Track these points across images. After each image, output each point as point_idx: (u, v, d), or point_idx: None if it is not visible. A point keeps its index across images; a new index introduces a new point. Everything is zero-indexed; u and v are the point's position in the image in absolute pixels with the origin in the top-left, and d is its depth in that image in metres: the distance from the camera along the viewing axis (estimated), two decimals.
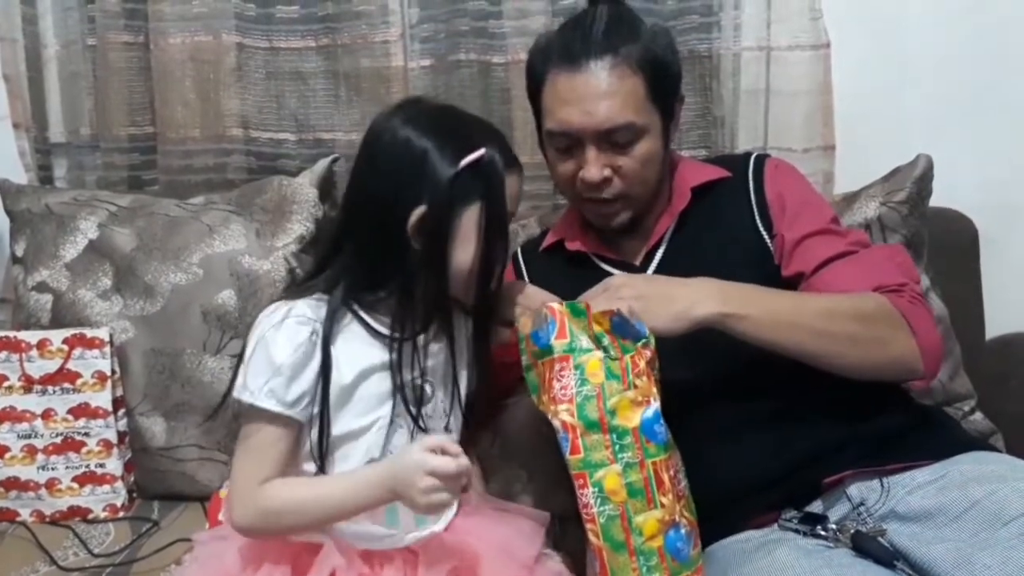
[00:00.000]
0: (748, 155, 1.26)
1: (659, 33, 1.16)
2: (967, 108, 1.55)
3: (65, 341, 1.39)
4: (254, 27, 1.60)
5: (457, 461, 0.88)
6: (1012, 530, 0.92)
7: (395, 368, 0.97)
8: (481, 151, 0.94)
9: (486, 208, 0.95)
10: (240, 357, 0.96)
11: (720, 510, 1.02)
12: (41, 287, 1.47)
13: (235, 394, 0.95)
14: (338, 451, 0.97)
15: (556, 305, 0.95)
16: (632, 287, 1.00)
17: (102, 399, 1.39)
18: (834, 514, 1.04)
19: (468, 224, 0.95)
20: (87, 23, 1.64)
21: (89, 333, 1.39)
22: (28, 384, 1.39)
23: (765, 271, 1.14)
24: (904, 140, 1.46)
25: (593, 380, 0.92)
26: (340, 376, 0.95)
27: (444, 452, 0.88)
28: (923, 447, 1.06)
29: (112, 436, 1.40)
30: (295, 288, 1.04)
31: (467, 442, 1.01)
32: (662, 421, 0.93)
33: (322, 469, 0.96)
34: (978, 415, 1.39)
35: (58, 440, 1.39)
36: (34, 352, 1.39)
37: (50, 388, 1.39)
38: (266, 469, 0.93)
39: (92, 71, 1.65)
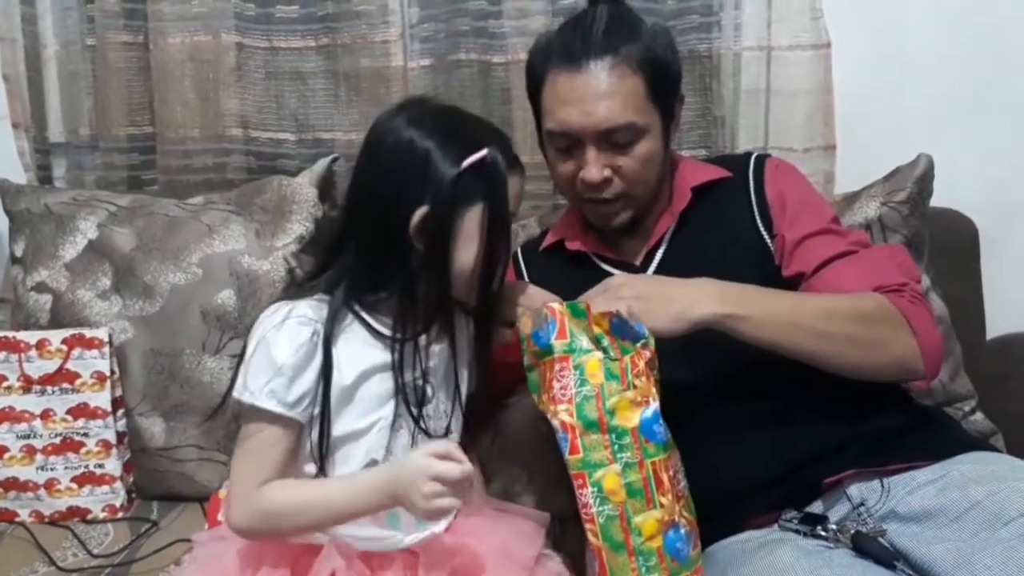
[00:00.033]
0: (748, 155, 1.26)
1: (659, 33, 1.16)
2: (968, 108, 1.55)
3: (64, 341, 1.39)
4: (254, 27, 1.60)
5: (462, 467, 0.87)
6: (1012, 530, 0.91)
7: (397, 369, 0.97)
8: (484, 152, 0.94)
9: (488, 209, 0.95)
10: (240, 357, 0.96)
11: (720, 510, 1.02)
12: (40, 287, 1.47)
13: (235, 394, 0.94)
14: (338, 452, 0.97)
15: (556, 305, 0.95)
16: (632, 287, 1.00)
17: (101, 399, 1.39)
18: (834, 514, 1.04)
19: (470, 225, 0.95)
20: (86, 23, 1.63)
21: (88, 333, 1.39)
22: (27, 384, 1.39)
23: (765, 271, 1.13)
24: (905, 140, 1.46)
25: (592, 380, 0.92)
26: (341, 377, 0.95)
27: (449, 458, 0.88)
28: (923, 447, 1.06)
29: (111, 436, 1.39)
30: (296, 288, 1.04)
31: (467, 443, 1.01)
32: (661, 421, 0.93)
33: (322, 470, 0.96)
34: (978, 415, 1.39)
35: (57, 440, 1.39)
36: (33, 352, 1.39)
37: (49, 388, 1.39)
38: (266, 470, 0.93)
39: (91, 71, 1.65)
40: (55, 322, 1.45)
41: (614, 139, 1.11)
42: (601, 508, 0.90)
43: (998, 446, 1.34)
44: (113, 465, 1.40)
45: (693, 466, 0.98)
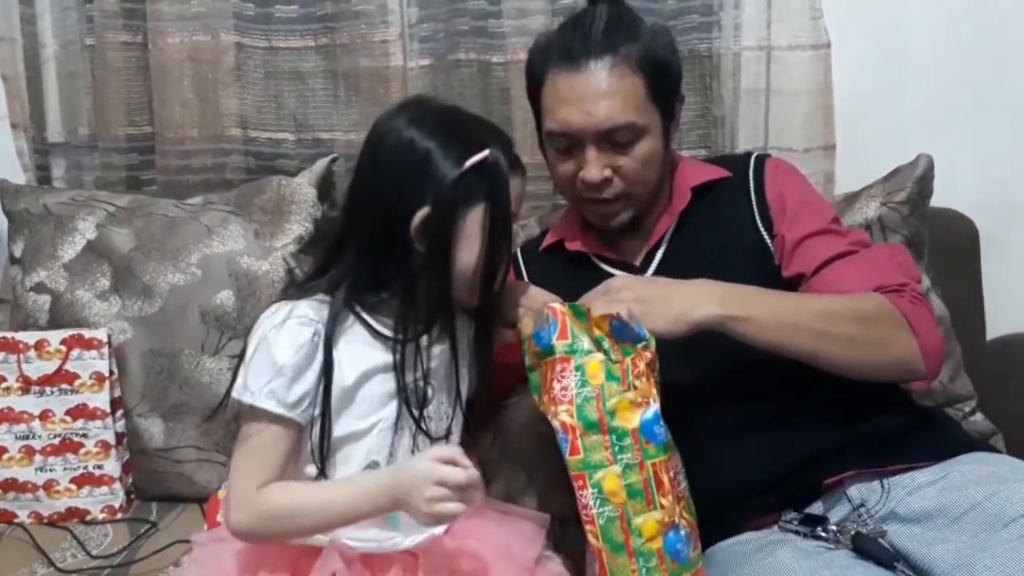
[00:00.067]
0: (748, 155, 1.25)
1: (659, 32, 1.16)
2: (968, 108, 1.55)
3: (63, 342, 1.39)
4: (253, 27, 1.59)
5: (467, 472, 0.87)
6: (1012, 531, 0.91)
7: (398, 370, 0.97)
8: (485, 152, 0.94)
9: (490, 209, 0.94)
10: (240, 357, 0.96)
11: (720, 512, 1.02)
12: (39, 288, 1.46)
13: (235, 395, 0.94)
14: (339, 453, 0.97)
15: (558, 306, 0.95)
16: (632, 289, 1.00)
17: (100, 400, 1.39)
18: (834, 515, 1.04)
19: (472, 225, 0.94)
20: (85, 23, 1.63)
21: (87, 334, 1.39)
22: (26, 385, 1.39)
23: (765, 271, 1.13)
24: (904, 140, 1.46)
25: (593, 381, 0.92)
26: (342, 378, 0.95)
27: (454, 463, 0.88)
28: (923, 448, 1.06)
29: (110, 437, 1.39)
30: (297, 289, 1.04)
31: (467, 444, 1.01)
32: (662, 422, 0.92)
33: (323, 472, 0.96)
34: (978, 416, 1.39)
35: (56, 441, 1.39)
36: (32, 353, 1.39)
37: (48, 389, 1.39)
38: (266, 472, 0.93)
39: (90, 71, 1.64)
40: (54, 323, 1.44)
41: (614, 139, 1.11)
42: (601, 509, 0.90)
43: (998, 447, 1.33)
44: (112, 466, 1.40)
45: (693, 467, 0.98)
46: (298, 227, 1.45)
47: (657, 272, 1.17)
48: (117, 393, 1.41)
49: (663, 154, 1.16)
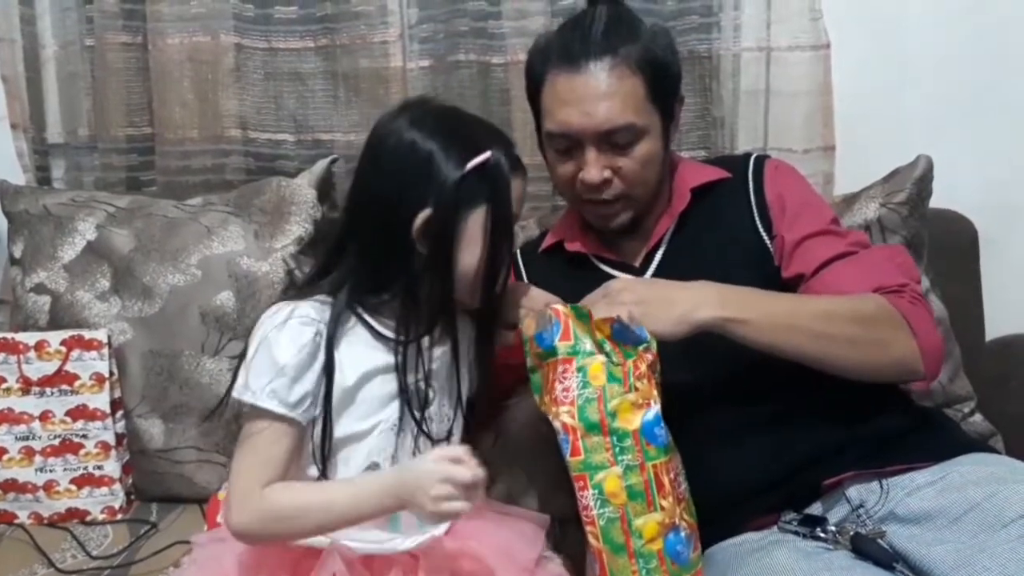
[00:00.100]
0: (748, 156, 1.25)
1: (659, 33, 1.16)
2: (967, 108, 1.55)
3: (63, 343, 1.39)
4: (252, 27, 1.59)
5: (473, 471, 0.87)
6: (1012, 532, 0.91)
7: (400, 371, 0.97)
8: (487, 154, 0.93)
9: (492, 211, 0.94)
10: (241, 358, 0.96)
11: (720, 513, 1.02)
12: (39, 288, 1.46)
13: (236, 394, 0.94)
14: (340, 454, 0.97)
15: (560, 307, 0.95)
16: (632, 292, 1.00)
17: (100, 401, 1.39)
18: (833, 516, 1.04)
19: (474, 227, 0.94)
20: (85, 23, 1.63)
21: (87, 335, 1.39)
22: (26, 386, 1.39)
23: (765, 272, 1.13)
24: (904, 141, 1.46)
25: (595, 383, 0.92)
26: (343, 378, 0.95)
27: (460, 463, 0.88)
28: (923, 449, 1.06)
29: (110, 438, 1.39)
30: (298, 289, 1.04)
31: (468, 445, 1.01)
32: (663, 424, 0.93)
33: (324, 472, 0.96)
34: (978, 417, 1.39)
35: (56, 442, 1.39)
36: (32, 354, 1.39)
37: (48, 390, 1.39)
38: (267, 472, 0.92)
39: (90, 72, 1.64)
40: (54, 323, 1.45)
41: (614, 140, 1.11)
42: (602, 510, 0.90)
43: (997, 448, 1.34)
44: (112, 467, 1.40)
45: (693, 469, 0.98)
46: (298, 228, 1.45)
47: (657, 273, 1.18)
48: (117, 394, 1.41)
49: (663, 155, 1.16)
